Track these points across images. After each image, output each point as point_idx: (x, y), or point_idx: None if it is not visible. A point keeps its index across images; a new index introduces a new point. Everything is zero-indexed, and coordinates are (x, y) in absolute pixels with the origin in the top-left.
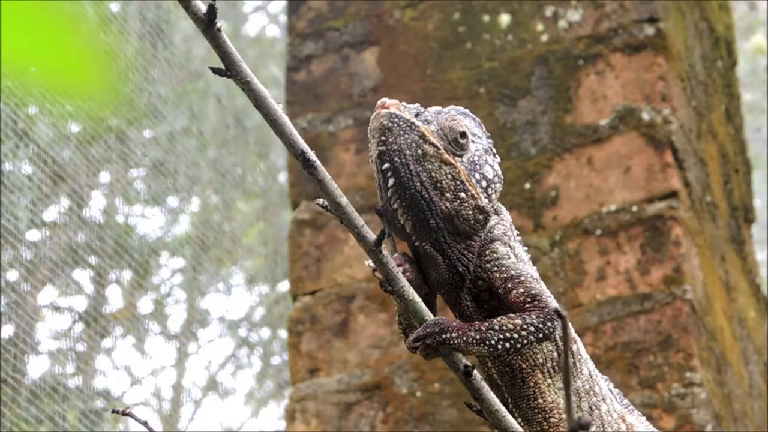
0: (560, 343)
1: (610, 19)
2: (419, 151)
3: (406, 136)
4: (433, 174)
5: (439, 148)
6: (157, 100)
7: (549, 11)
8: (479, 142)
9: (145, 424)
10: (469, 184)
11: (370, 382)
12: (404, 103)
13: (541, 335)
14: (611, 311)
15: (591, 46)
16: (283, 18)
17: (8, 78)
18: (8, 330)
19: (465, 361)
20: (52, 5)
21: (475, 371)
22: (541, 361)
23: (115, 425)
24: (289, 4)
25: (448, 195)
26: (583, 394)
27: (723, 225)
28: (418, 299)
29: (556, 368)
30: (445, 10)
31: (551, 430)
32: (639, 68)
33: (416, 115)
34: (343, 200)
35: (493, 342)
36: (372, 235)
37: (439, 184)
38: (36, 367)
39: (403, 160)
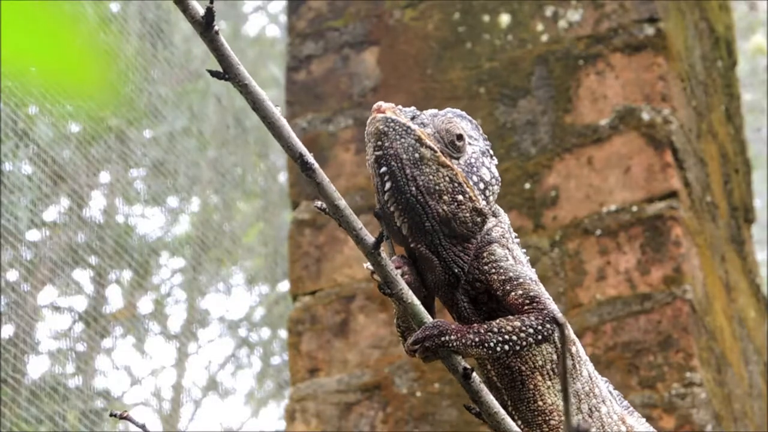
0: (559, 346)
1: (610, 19)
2: (416, 155)
3: (403, 140)
4: (431, 177)
5: (435, 151)
6: (157, 100)
7: (549, 11)
8: (476, 144)
9: (143, 427)
10: (467, 186)
11: (370, 382)
12: (400, 107)
13: (540, 337)
14: (611, 311)
15: (591, 46)
16: (283, 18)
17: (8, 78)
18: (8, 330)
19: (464, 363)
20: (52, 5)
21: (474, 374)
22: (540, 363)
23: (114, 425)
24: (289, 4)
25: (445, 198)
26: (582, 396)
27: (723, 225)
28: (416, 302)
29: (556, 370)
30: (445, 10)
31: None
32: (639, 68)
33: (412, 118)
34: (342, 203)
35: (492, 344)
36: (370, 238)
37: (437, 187)
38: (36, 367)
39: (400, 164)
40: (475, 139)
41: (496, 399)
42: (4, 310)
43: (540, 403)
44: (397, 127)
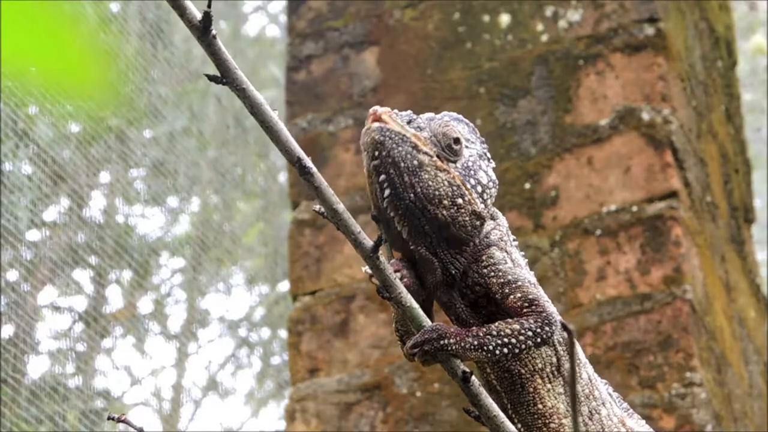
0: (559, 348)
1: (610, 19)
2: (414, 162)
3: (400, 148)
4: (430, 183)
5: (432, 157)
6: (157, 100)
7: (549, 11)
8: (473, 147)
9: (140, 430)
10: (465, 189)
11: (370, 382)
12: (396, 111)
13: (539, 340)
14: (611, 311)
15: (591, 46)
16: (283, 18)
17: (8, 78)
18: (8, 330)
19: (463, 367)
20: (52, 5)
21: (474, 377)
22: (540, 366)
23: (114, 425)
24: (289, 4)
25: (445, 202)
26: (582, 399)
27: (723, 225)
28: (415, 305)
29: (555, 373)
30: (445, 10)
31: None
32: (639, 68)
33: (408, 122)
34: (340, 207)
35: (491, 347)
36: (369, 242)
37: (436, 193)
38: (36, 367)
39: (398, 172)
40: (472, 142)
41: (496, 402)
42: (4, 310)
43: (540, 406)
44: (393, 136)
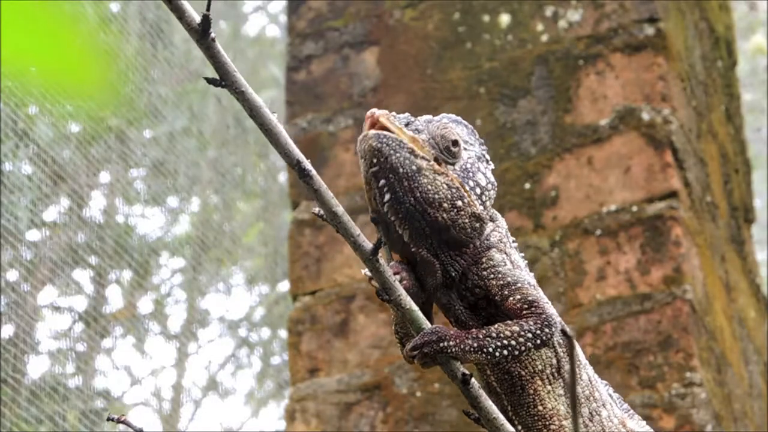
0: (559, 349)
1: (610, 19)
2: (413, 167)
3: (398, 154)
4: (429, 187)
5: (430, 161)
6: (157, 100)
7: (549, 11)
8: (472, 149)
9: (140, 431)
10: (464, 191)
11: (370, 382)
12: (394, 113)
13: (539, 341)
14: (611, 311)
15: (591, 46)
16: (283, 18)
17: (8, 78)
18: (8, 330)
19: (463, 369)
20: (52, 5)
21: (473, 379)
22: (540, 367)
23: (114, 426)
24: (289, 4)
25: (445, 205)
26: (583, 400)
27: (723, 225)
28: (415, 308)
29: (555, 375)
30: (445, 10)
31: None
32: (639, 68)
33: (407, 125)
34: (339, 209)
35: (490, 349)
36: (368, 244)
37: (435, 197)
38: (36, 367)
39: (397, 177)
40: (471, 145)
41: (496, 404)
42: (4, 310)
43: (540, 407)
44: (390, 142)
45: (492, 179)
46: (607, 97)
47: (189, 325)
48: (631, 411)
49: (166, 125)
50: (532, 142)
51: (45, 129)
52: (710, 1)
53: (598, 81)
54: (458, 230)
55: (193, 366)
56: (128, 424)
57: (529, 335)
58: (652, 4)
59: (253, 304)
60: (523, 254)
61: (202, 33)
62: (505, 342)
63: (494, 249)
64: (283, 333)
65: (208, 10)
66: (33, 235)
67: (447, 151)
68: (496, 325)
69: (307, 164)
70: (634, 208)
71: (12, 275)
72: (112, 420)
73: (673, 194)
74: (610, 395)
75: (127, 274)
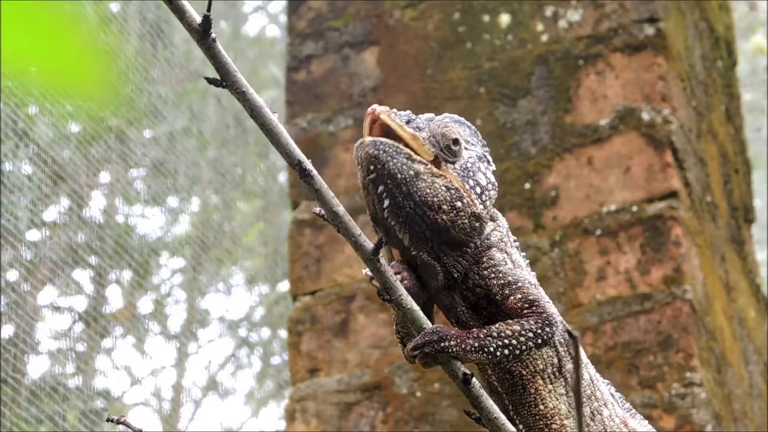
0: (560, 349)
1: (610, 19)
2: (411, 173)
3: (395, 160)
4: (428, 191)
5: (427, 164)
6: (157, 100)
7: (549, 11)
8: (473, 149)
9: None
10: (464, 191)
11: (370, 382)
12: (395, 110)
13: (540, 341)
14: (611, 311)
15: (591, 46)
16: (283, 18)
17: (8, 78)
18: (8, 330)
19: (464, 369)
20: (52, 5)
21: (474, 379)
22: (541, 367)
23: (114, 426)
24: (289, 4)
25: (444, 207)
26: (584, 400)
27: (723, 225)
28: (416, 308)
29: (557, 374)
30: (445, 10)
31: None
32: (639, 68)
33: (407, 122)
34: (340, 209)
35: (491, 349)
36: (369, 244)
37: (435, 199)
38: (36, 367)
39: (396, 183)
40: (473, 144)
41: (497, 404)
42: (4, 310)
43: (541, 407)
44: (387, 149)
45: (493, 179)
46: (607, 97)
47: (189, 325)
48: (633, 410)
49: (166, 125)
50: (532, 142)
51: (45, 129)
52: (710, 1)
53: (598, 81)
54: (458, 230)
55: (193, 366)
56: (128, 425)
57: (530, 334)
58: (652, 4)
59: (253, 304)
60: (524, 254)
61: (202, 33)
62: (506, 341)
63: (495, 248)
64: (283, 333)
65: (208, 10)
66: (33, 235)
67: (447, 150)
68: (497, 325)
69: (308, 164)
70: (634, 208)
71: (12, 275)
72: (112, 421)
73: (673, 194)
74: (611, 394)
75: (127, 274)
